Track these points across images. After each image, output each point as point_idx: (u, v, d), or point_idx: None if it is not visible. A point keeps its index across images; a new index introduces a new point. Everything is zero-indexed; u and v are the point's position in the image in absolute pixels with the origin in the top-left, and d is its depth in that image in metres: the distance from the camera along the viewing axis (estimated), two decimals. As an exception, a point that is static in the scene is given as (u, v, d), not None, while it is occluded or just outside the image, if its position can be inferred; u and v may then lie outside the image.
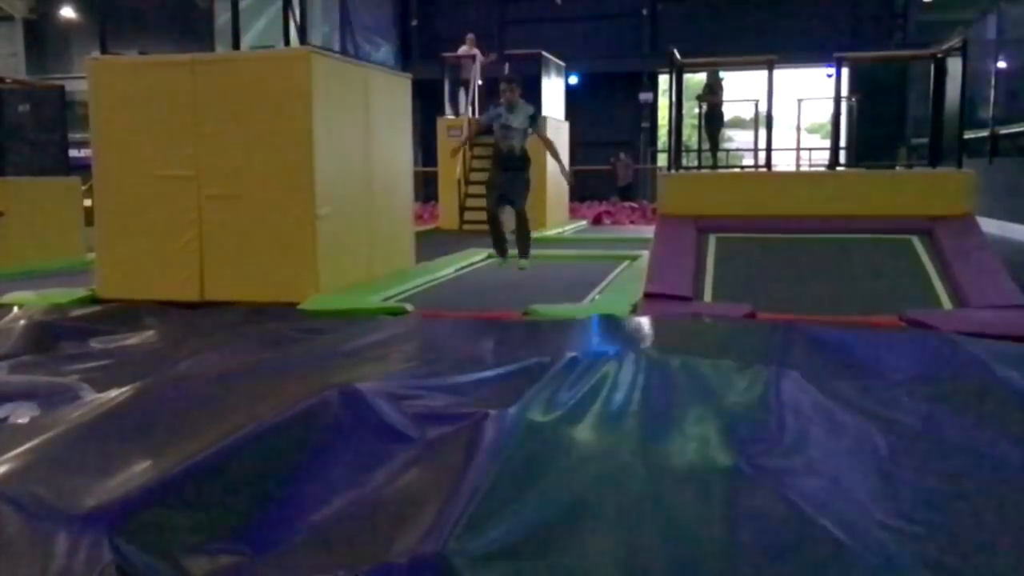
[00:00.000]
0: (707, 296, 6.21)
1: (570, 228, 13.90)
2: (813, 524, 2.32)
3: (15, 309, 5.93)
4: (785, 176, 8.76)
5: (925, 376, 3.86)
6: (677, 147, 8.41)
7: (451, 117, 14.25)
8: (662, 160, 21.39)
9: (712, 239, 7.03)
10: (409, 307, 6.06)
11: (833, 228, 7.04)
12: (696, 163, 11.13)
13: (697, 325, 5.14)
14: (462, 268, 8.26)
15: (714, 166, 11.74)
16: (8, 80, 10.91)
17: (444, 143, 13.92)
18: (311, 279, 6.39)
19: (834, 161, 8.91)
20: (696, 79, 13.09)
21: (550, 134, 13.73)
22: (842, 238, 6.96)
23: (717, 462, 2.73)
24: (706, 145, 12.11)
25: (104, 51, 6.94)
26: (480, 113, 14.08)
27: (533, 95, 14.06)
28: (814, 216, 7.12)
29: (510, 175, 5.83)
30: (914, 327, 5.08)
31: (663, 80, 21.43)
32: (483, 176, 11.17)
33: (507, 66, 14.20)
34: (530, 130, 5.99)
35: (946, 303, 5.92)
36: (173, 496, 2.46)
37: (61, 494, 2.47)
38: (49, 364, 4.61)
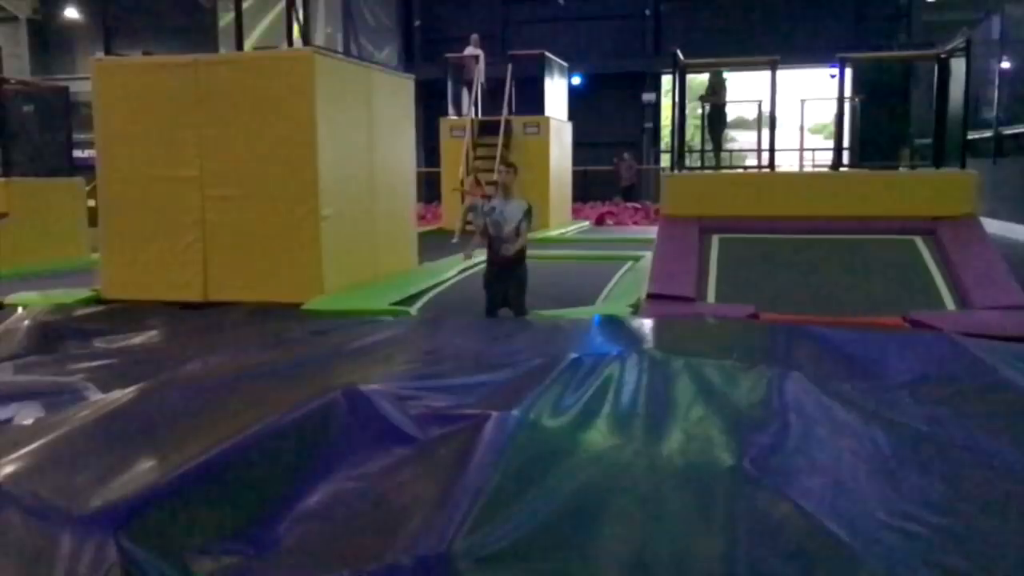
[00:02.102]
0: (710, 297, 6.21)
1: (573, 229, 13.89)
2: (816, 524, 2.32)
3: (20, 309, 5.95)
4: (788, 177, 8.76)
5: (928, 377, 3.85)
6: (680, 148, 8.39)
7: (454, 117, 14.26)
8: (665, 161, 21.37)
9: (715, 240, 7.03)
10: (412, 308, 6.06)
11: (836, 229, 7.03)
12: (699, 164, 11.08)
13: (700, 326, 5.14)
14: (465, 269, 8.26)
15: (717, 167, 11.70)
16: (12, 81, 10.94)
17: (447, 143, 13.94)
18: (315, 280, 6.40)
19: (837, 162, 8.86)
20: (699, 79, 13.05)
21: (553, 135, 13.91)
22: (845, 239, 6.95)
23: (720, 462, 2.73)
24: (709, 146, 12.06)
25: (108, 52, 6.96)
26: (482, 113, 14.11)
27: (536, 96, 14.09)
28: (817, 217, 7.11)
29: (507, 272, 5.68)
30: (917, 328, 5.08)
31: (666, 80, 21.42)
32: (485, 177, 11.20)
33: (509, 67, 14.20)
34: (523, 224, 5.72)
35: (949, 304, 5.91)
36: (177, 496, 2.46)
37: (66, 494, 2.48)
38: (53, 364, 4.62)
